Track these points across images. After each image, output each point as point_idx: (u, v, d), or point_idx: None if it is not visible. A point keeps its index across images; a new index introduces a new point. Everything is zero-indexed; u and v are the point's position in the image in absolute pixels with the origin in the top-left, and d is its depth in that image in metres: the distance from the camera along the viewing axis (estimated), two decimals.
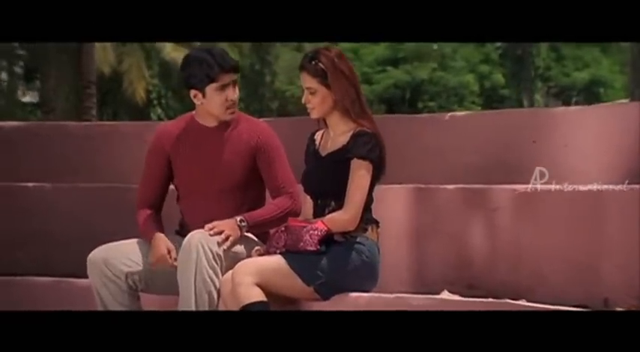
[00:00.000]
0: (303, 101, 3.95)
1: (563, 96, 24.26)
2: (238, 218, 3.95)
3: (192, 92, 4.05)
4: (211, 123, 4.09)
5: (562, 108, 5.27)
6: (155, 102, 21.70)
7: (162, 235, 4.01)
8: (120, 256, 4.00)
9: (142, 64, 21.06)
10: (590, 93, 23.94)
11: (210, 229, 3.87)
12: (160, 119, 20.06)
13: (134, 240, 4.10)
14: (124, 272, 3.99)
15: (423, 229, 4.47)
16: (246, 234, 3.99)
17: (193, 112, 4.15)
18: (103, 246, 4.06)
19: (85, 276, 4.07)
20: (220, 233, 3.86)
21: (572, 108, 5.20)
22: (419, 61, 23.06)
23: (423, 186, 4.57)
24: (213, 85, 4.00)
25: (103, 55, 19.46)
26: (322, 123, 4.01)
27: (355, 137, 3.86)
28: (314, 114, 3.95)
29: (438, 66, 23.11)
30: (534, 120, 5.10)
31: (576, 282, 4.12)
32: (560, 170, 4.56)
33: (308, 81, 3.91)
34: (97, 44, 15.98)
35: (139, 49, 21.25)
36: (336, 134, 3.94)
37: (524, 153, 4.99)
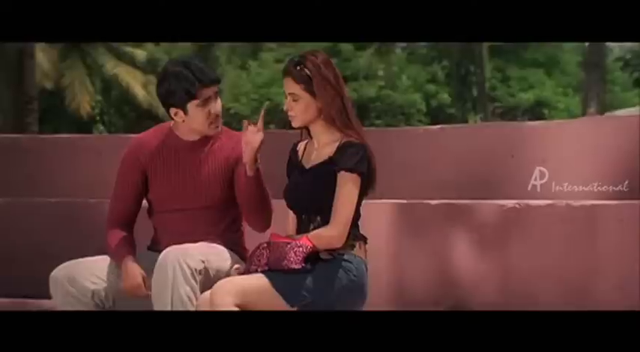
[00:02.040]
0: (284, 108, 3.70)
1: (509, 116, 24.47)
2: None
3: (172, 110, 3.77)
4: (192, 137, 3.84)
5: (538, 122, 5.19)
6: (98, 117, 21.41)
7: (134, 261, 3.73)
8: (85, 273, 3.74)
9: (84, 78, 20.77)
10: (535, 114, 24.20)
11: None
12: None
13: (100, 257, 3.83)
14: (90, 289, 3.73)
15: (405, 246, 4.28)
16: (224, 249, 3.76)
17: (170, 123, 3.88)
18: (67, 263, 3.79)
19: (45, 296, 3.81)
20: None
21: (549, 122, 5.12)
22: (366, 79, 23.09)
23: (405, 201, 4.39)
24: (195, 102, 3.74)
25: (44, 69, 19.12)
26: (305, 133, 3.78)
27: (342, 148, 3.62)
28: (295, 123, 3.70)
29: (385, 84, 23.13)
30: (510, 134, 5.01)
31: (567, 302, 3.97)
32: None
33: (291, 86, 3.66)
34: (38, 59, 15.64)
35: (80, 64, 20.96)
36: (321, 145, 3.71)
37: (500, 168, 4.89)
